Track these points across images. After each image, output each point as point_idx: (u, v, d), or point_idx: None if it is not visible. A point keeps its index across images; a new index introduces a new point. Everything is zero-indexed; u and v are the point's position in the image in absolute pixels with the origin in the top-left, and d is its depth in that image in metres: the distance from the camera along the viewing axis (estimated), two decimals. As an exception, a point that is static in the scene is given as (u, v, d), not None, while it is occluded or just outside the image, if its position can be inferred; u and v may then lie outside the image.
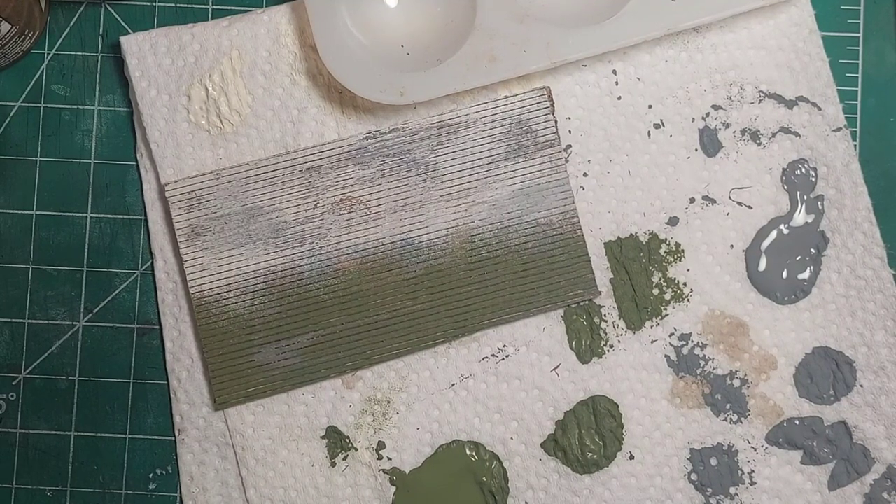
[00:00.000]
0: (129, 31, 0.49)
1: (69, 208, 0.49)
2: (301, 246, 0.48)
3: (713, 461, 0.48)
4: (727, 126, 0.49)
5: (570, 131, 0.49)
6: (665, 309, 0.48)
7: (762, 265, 0.49)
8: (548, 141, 0.48)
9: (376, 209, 0.48)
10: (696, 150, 0.49)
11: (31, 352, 0.49)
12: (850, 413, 0.48)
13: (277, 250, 0.48)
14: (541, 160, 0.48)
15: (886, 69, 0.50)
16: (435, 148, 0.48)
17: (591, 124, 0.49)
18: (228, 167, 0.48)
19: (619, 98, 0.49)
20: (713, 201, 0.49)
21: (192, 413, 0.48)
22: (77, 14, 0.49)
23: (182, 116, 0.48)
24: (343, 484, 0.48)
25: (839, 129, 0.49)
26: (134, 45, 0.48)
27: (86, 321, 0.49)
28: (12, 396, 0.48)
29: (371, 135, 0.48)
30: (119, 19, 0.49)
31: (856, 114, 0.50)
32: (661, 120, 0.49)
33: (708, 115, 0.49)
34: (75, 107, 0.49)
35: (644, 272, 0.49)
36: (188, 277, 0.48)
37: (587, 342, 0.48)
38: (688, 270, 0.49)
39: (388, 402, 0.48)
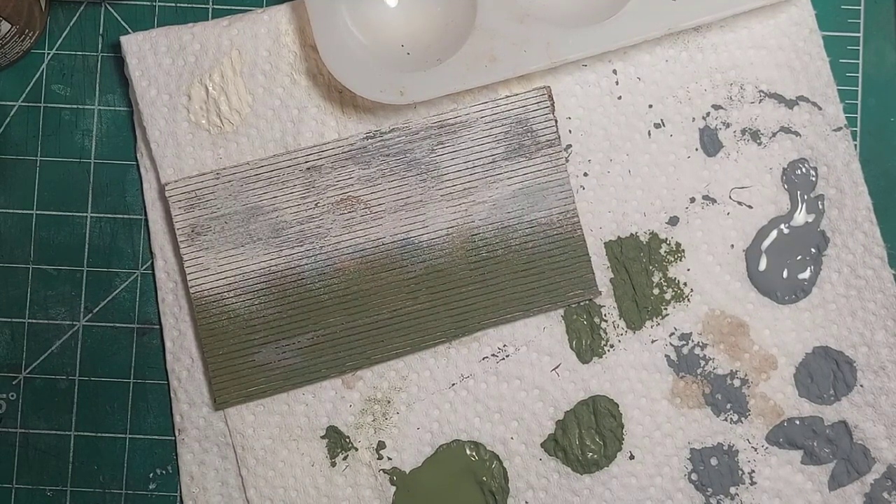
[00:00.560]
0: (129, 30, 0.49)
1: (69, 208, 0.49)
2: (301, 246, 0.48)
3: (713, 461, 0.48)
4: (727, 126, 0.49)
5: (570, 131, 0.49)
6: (665, 309, 0.48)
7: (762, 265, 0.49)
8: (548, 141, 0.48)
9: (376, 209, 0.48)
10: (697, 149, 0.49)
11: (31, 352, 0.49)
12: (851, 413, 0.48)
13: (277, 250, 0.48)
14: (541, 160, 0.48)
15: (887, 69, 0.50)
16: (435, 148, 0.48)
17: (591, 124, 0.49)
18: (228, 167, 0.48)
19: (620, 98, 0.49)
20: (713, 201, 0.49)
21: (192, 413, 0.48)
22: (77, 14, 0.49)
23: (182, 116, 0.48)
24: (343, 484, 0.48)
25: (839, 128, 0.49)
26: (134, 45, 0.48)
27: (86, 321, 0.49)
28: (12, 396, 0.48)
29: (371, 134, 0.48)
30: (119, 19, 0.49)
31: (856, 113, 0.50)
32: (662, 119, 0.49)
33: (708, 114, 0.49)
34: (75, 106, 0.49)
35: (644, 272, 0.49)
36: (188, 277, 0.48)
37: (587, 342, 0.48)
38: (688, 270, 0.49)
39: (389, 402, 0.48)
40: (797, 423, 0.48)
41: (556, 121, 0.49)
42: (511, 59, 0.46)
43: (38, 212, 0.49)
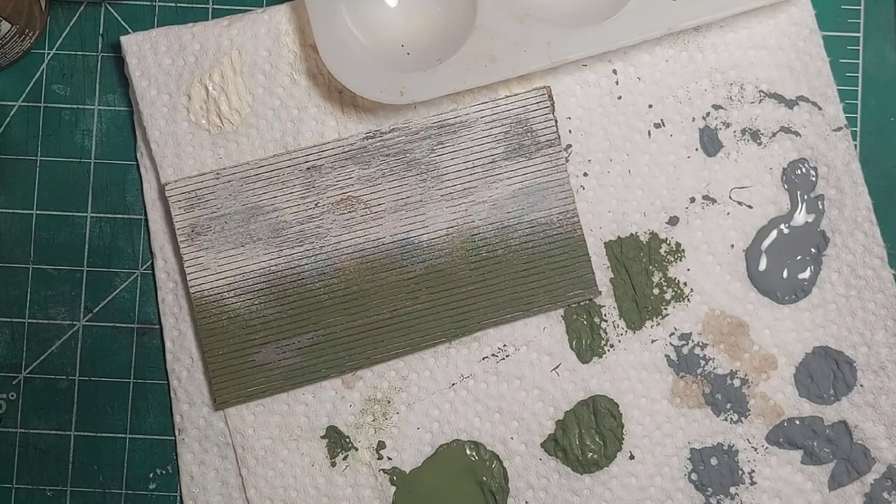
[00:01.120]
0: (130, 30, 0.49)
1: (69, 208, 0.49)
2: (301, 245, 0.48)
3: (713, 461, 0.48)
4: (727, 126, 0.49)
5: (570, 131, 0.49)
6: (665, 308, 0.48)
7: (762, 265, 0.49)
8: (548, 140, 0.48)
9: (376, 209, 0.48)
10: (697, 149, 0.49)
11: (31, 351, 0.49)
12: (851, 413, 0.48)
13: (277, 250, 0.48)
14: (541, 160, 0.48)
15: (887, 69, 0.50)
16: (435, 147, 0.48)
17: (591, 124, 0.49)
18: (228, 167, 0.48)
19: (620, 98, 0.49)
20: (713, 201, 0.49)
21: (192, 413, 0.48)
22: (77, 14, 0.49)
23: (182, 116, 0.48)
24: (343, 484, 0.48)
25: (839, 128, 0.49)
26: (134, 45, 0.48)
27: (86, 321, 0.49)
28: (12, 396, 0.48)
29: (371, 134, 0.48)
30: (119, 19, 0.49)
31: (856, 113, 0.50)
32: (662, 119, 0.49)
33: (708, 114, 0.49)
34: (75, 106, 0.49)
35: (644, 272, 0.49)
36: (188, 277, 0.48)
37: (587, 342, 0.48)
38: (688, 270, 0.49)
39: (389, 402, 0.48)
40: (797, 423, 0.48)
41: (556, 121, 0.49)
42: (511, 59, 0.46)
43: (38, 212, 0.49)
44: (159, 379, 0.49)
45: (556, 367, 0.48)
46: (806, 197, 0.49)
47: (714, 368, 0.48)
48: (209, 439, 0.48)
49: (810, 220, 0.49)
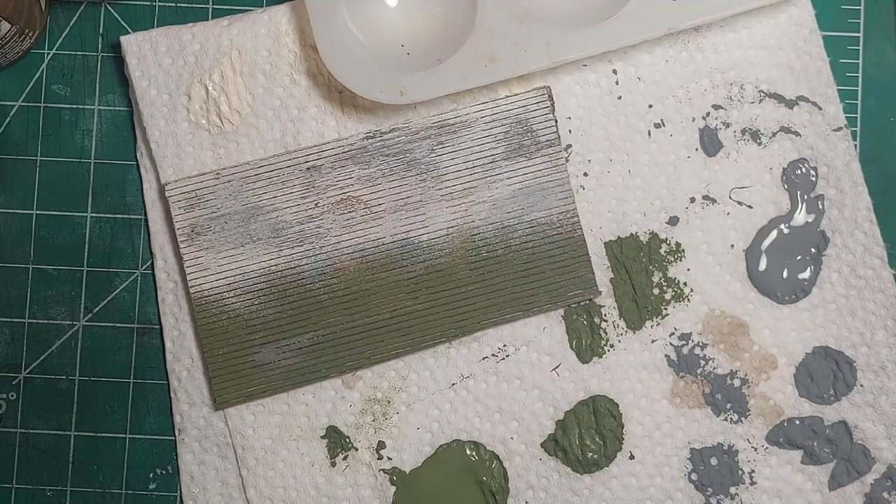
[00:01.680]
0: (129, 30, 0.49)
1: (69, 208, 0.49)
2: (301, 245, 0.48)
3: (713, 461, 0.48)
4: (727, 126, 0.49)
5: (570, 131, 0.49)
6: (665, 309, 0.48)
7: (762, 265, 0.49)
8: (548, 140, 0.48)
9: (376, 209, 0.48)
10: (697, 149, 0.49)
11: (31, 352, 0.49)
12: (851, 413, 0.48)
13: (277, 250, 0.48)
14: (541, 160, 0.48)
15: (887, 69, 0.50)
16: (435, 147, 0.48)
17: (591, 124, 0.49)
18: (228, 167, 0.48)
19: (620, 98, 0.49)
20: (713, 201, 0.49)
21: (192, 413, 0.48)
22: (77, 14, 0.49)
23: (182, 116, 0.48)
24: (343, 484, 0.48)
25: (839, 128, 0.49)
26: (134, 45, 0.48)
27: (86, 321, 0.49)
28: (12, 396, 0.48)
29: (371, 134, 0.48)
30: (119, 19, 0.49)
31: (856, 113, 0.50)
32: (662, 119, 0.49)
33: (708, 114, 0.49)
34: (75, 106, 0.49)
35: (644, 272, 0.49)
36: (188, 277, 0.48)
37: (587, 342, 0.48)
38: (688, 270, 0.49)
39: (389, 402, 0.48)
40: (797, 423, 0.48)
41: (556, 121, 0.49)
42: (511, 59, 0.46)
43: (38, 212, 0.49)
44: (159, 379, 0.49)
45: (556, 367, 0.48)
46: (806, 197, 0.49)
47: (714, 368, 0.48)
48: (209, 439, 0.48)
49: (810, 220, 0.49)
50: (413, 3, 0.48)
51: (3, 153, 0.49)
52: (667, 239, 0.49)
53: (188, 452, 0.48)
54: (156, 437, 0.48)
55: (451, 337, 0.48)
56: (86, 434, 0.48)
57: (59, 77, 0.49)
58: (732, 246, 0.49)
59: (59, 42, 0.49)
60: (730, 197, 0.49)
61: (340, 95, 0.48)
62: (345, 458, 0.48)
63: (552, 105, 0.48)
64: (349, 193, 0.48)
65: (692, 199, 0.49)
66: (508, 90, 0.49)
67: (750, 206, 0.49)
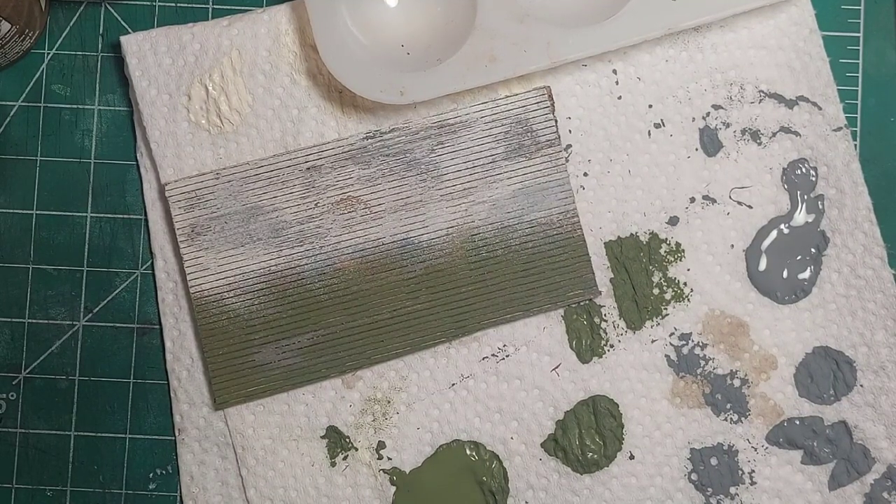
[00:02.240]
0: (130, 30, 0.49)
1: (69, 208, 0.49)
2: (301, 246, 0.48)
3: (713, 461, 0.48)
4: (727, 126, 0.49)
5: (570, 131, 0.49)
6: (665, 309, 0.48)
7: (762, 265, 0.49)
8: (548, 140, 0.48)
9: (376, 209, 0.48)
10: (697, 149, 0.49)
11: (31, 352, 0.49)
12: (851, 413, 0.48)
13: (277, 250, 0.48)
14: (541, 160, 0.48)
15: (887, 69, 0.50)
16: (435, 148, 0.48)
17: (591, 124, 0.49)
18: (228, 167, 0.48)
19: (620, 98, 0.49)
20: (713, 201, 0.49)
21: (192, 413, 0.48)
22: (77, 14, 0.49)
23: (182, 116, 0.48)
24: (343, 484, 0.48)
25: (839, 128, 0.49)
26: (134, 45, 0.48)
27: (86, 321, 0.49)
28: (12, 396, 0.48)
29: (371, 134, 0.48)
30: (119, 19, 0.49)
31: (856, 113, 0.50)
32: (662, 119, 0.49)
33: (708, 114, 0.49)
34: (75, 106, 0.49)
35: (644, 272, 0.49)
36: (188, 277, 0.48)
37: (587, 342, 0.48)
38: (688, 270, 0.49)
39: (389, 402, 0.48)
40: (797, 423, 0.48)
41: (556, 121, 0.49)
42: (511, 59, 0.46)
43: (38, 212, 0.49)
44: (159, 379, 0.49)
45: (556, 367, 0.48)
46: (806, 197, 0.49)
47: (714, 368, 0.48)
48: (209, 439, 0.48)
49: (810, 220, 0.49)
50: (413, 3, 0.48)
51: (3, 153, 0.49)
52: (667, 239, 0.49)
53: (188, 452, 0.48)
54: (156, 437, 0.48)
55: (451, 337, 0.48)
56: (86, 434, 0.48)
57: (59, 77, 0.49)
58: (732, 246, 0.49)
59: (59, 42, 0.49)
60: (730, 197, 0.49)
61: (340, 95, 0.48)
62: (345, 458, 0.48)
63: (552, 105, 0.48)
64: (349, 193, 0.48)
65: (692, 199, 0.49)
66: (508, 90, 0.49)
67: (750, 206, 0.49)
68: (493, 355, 0.48)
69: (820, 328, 0.48)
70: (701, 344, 0.48)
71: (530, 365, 0.48)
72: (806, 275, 0.49)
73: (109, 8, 0.49)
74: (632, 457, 0.48)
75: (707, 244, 0.49)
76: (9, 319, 0.49)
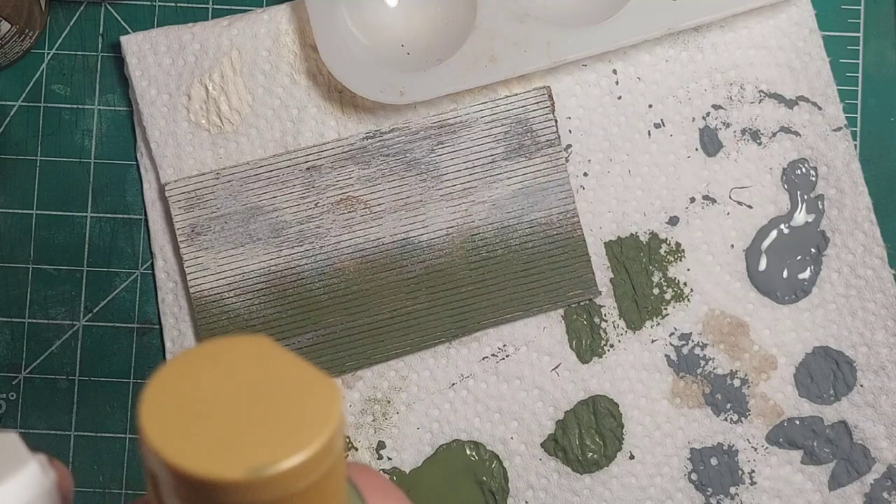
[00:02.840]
0: (129, 30, 0.49)
1: (69, 208, 0.49)
2: (301, 245, 0.48)
3: (713, 461, 0.48)
4: (727, 126, 0.49)
5: (570, 131, 0.49)
6: (665, 309, 0.48)
7: (762, 265, 0.49)
8: (548, 140, 0.48)
9: (376, 209, 0.48)
10: (697, 149, 0.49)
11: (31, 351, 0.49)
12: (851, 413, 0.48)
13: (277, 250, 0.48)
14: (541, 160, 0.48)
15: (887, 69, 0.50)
16: (435, 147, 0.48)
17: (591, 124, 0.49)
18: (228, 167, 0.48)
19: (620, 98, 0.49)
20: (713, 201, 0.49)
21: (192, 413, 0.48)
22: (77, 13, 0.49)
23: (182, 116, 0.48)
24: (343, 484, 0.48)
25: (839, 128, 0.49)
26: (134, 45, 0.48)
27: (86, 321, 0.49)
28: (12, 396, 0.48)
29: (371, 134, 0.48)
30: (119, 19, 0.49)
31: (856, 113, 0.50)
32: (662, 119, 0.49)
33: (708, 114, 0.49)
34: (75, 106, 0.49)
35: (644, 272, 0.49)
36: (188, 277, 0.48)
37: (587, 342, 0.48)
38: (688, 270, 0.49)
39: (389, 402, 0.48)
40: (797, 423, 0.48)
41: (556, 121, 0.49)
42: (511, 59, 0.46)
43: (38, 212, 0.49)
44: (159, 379, 0.48)
45: (556, 367, 0.48)
46: (806, 197, 0.49)
47: (714, 368, 0.48)
48: (209, 439, 0.48)
49: (810, 220, 0.49)
50: (413, 3, 0.48)
51: (3, 153, 0.49)
52: (667, 239, 0.49)
53: (188, 452, 0.48)
54: (156, 437, 0.48)
55: (451, 337, 0.48)
56: (86, 434, 0.48)
57: (59, 77, 0.49)
58: (732, 246, 0.49)
59: (59, 42, 0.49)
60: (730, 197, 0.49)
61: (340, 95, 0.48)
62: (345, 458, 0.48)
63: (552, 105, 0.48)
64: (349, 193, 0.48)
65: (692, 199, 0.49)
66: (508, 90, 0.49)
67: (750, 206, 0.49)
68: (493, 355, 0.48)
69: (820, 328, 0.48)
70: (701, 344, 0.48)
71: (530, 365, 0.48)
72: (806, 275, 0.49)
73: (109, 8, 0.49)
74: (632, 457, 0.48)
75: (707, 244, 0.49)
76: (9, 319, 0.49)
